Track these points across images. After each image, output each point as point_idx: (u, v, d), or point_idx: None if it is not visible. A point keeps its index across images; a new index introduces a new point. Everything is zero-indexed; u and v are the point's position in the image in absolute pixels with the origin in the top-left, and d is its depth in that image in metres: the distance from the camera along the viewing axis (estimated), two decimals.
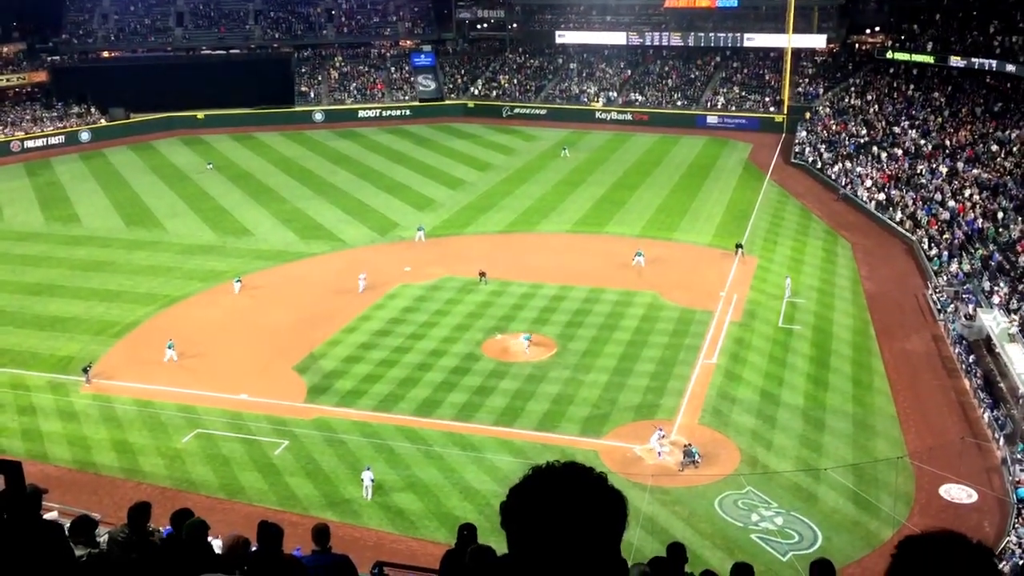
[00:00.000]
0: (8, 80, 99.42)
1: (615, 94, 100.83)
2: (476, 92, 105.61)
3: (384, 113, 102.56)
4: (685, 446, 33.81)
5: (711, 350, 42.88)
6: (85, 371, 40.97)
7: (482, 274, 51.58)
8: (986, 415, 36.73)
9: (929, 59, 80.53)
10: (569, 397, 38.68)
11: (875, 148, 72.77)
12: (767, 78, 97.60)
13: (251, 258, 57.11)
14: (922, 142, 70.55)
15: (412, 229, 60.54)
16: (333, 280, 52.11)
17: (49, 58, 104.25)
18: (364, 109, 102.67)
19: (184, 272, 55.25)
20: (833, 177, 71.32)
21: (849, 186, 68.52)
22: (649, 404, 38.00)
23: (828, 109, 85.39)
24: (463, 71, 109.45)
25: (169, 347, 42.74)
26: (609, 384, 39.63)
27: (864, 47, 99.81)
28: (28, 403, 39.58)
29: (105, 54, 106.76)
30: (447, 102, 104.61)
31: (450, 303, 49.20)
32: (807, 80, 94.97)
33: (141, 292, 52.04)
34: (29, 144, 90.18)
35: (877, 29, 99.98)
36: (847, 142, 76.20)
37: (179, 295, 51.61)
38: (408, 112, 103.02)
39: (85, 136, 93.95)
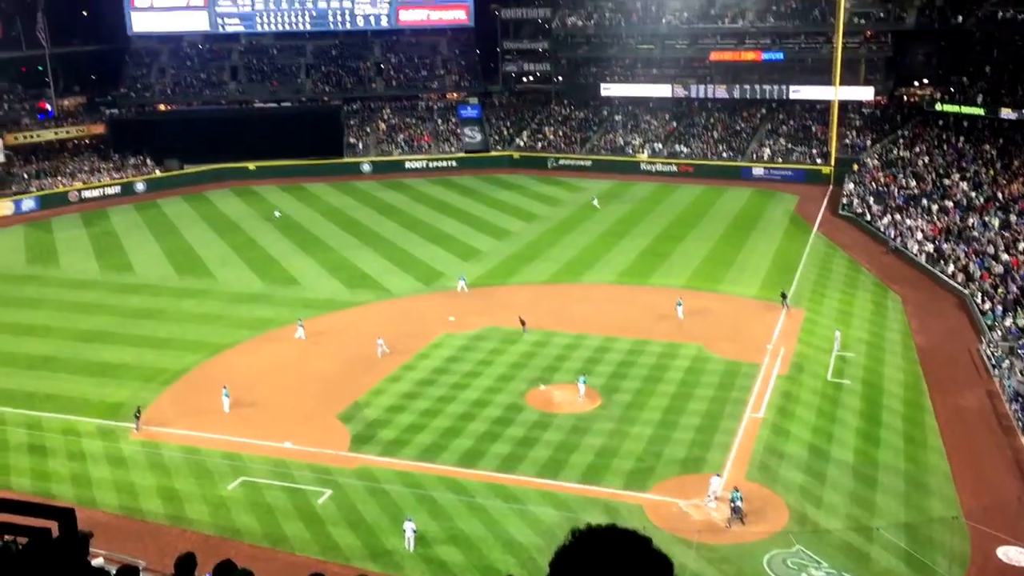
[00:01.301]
0: (68, 132, 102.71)
1: (660, 145, 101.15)
2: (521, 143, 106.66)
3: (431, 164, 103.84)
4: (732, 496, 33.00)
5: (758, 403, 42.25)
6: (136, 416, 41.49)
7: (523, 322, 51.58)
8: None
9: (980, 111, 79.73)
10: (613, 450, 38.25)
11: (925, 200, 71.90)
12: (813, 130, 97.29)
13: (298, 307, 57.67)
14: (973, 194, 69.59)
15: (456, 279, 60.89)
16: (378, 329, 52.38)
17: (108, 111, 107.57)
18: (411, 160, 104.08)
19: (232, 320, 56.04)
20: (882, 229, 70.49)
21: (899, 239, 67.66)
22: (695, 458, 37.43)
23: (876, 161, 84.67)
24: (509, 123, 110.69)
25: (225, 395, 43.14)
26: (654, 437, 39.14)
27: (912, 99, 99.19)
28: (78, 449, 40.16)
29: (161, 107, 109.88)
30: (493, 153, 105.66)
31: (494, 353, 49.20)
32: (854, 132, 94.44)
33: (190, 339, 52.80)
34: (87, 194, 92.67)
35: (925, 81, 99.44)
36: (896, 194, 75.41)
37: (227, 343, 52.27)
38: (454, 163, 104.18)
39: (140, 187, 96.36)
